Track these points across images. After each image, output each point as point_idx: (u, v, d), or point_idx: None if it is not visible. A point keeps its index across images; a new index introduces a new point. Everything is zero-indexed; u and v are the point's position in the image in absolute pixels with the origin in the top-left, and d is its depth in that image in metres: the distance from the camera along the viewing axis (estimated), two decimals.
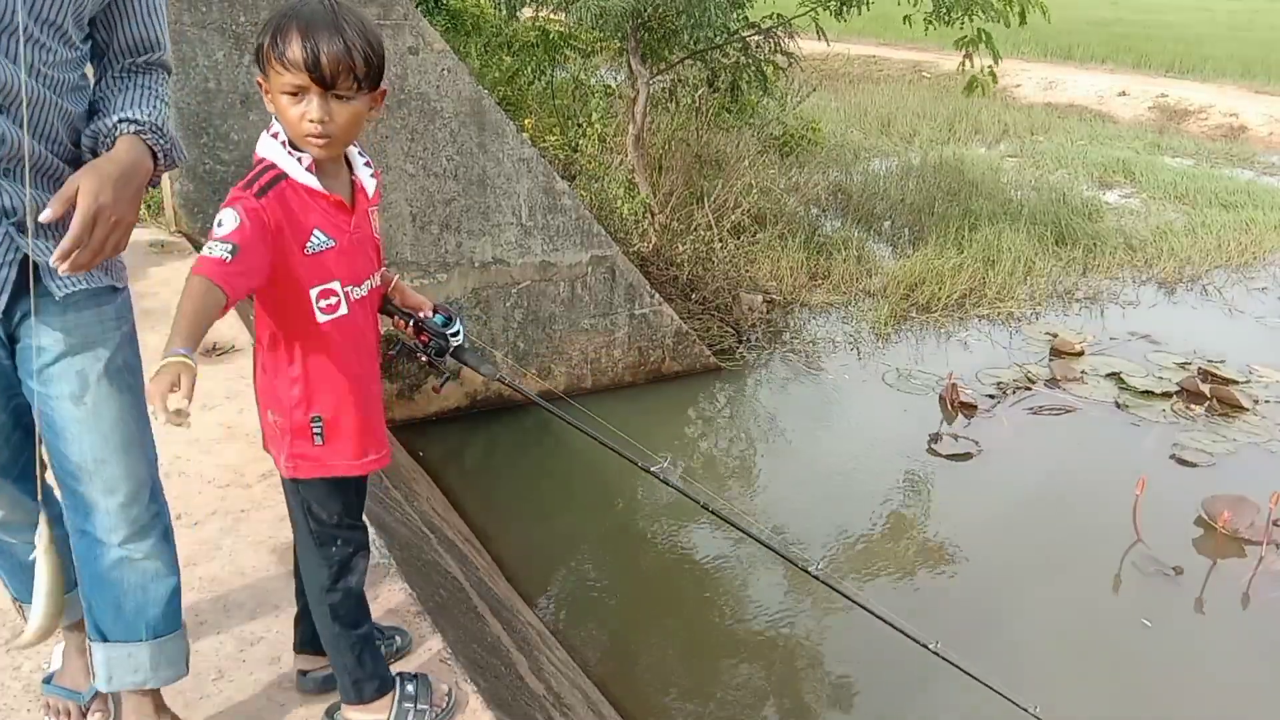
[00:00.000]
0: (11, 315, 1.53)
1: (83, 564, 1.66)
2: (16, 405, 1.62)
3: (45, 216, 1.39)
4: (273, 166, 1.67)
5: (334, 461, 1.83)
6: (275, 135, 1.69)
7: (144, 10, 1.59)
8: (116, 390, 1.61)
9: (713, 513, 2.54)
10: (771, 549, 2.69)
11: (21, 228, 1.47)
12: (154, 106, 1.57)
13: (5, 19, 1.38)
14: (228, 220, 1.59)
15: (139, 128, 1.53)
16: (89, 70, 1.59)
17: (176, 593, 1.76)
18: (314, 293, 1.72)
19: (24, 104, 1.41)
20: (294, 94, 1.61)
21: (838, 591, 2.75)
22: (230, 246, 1.56)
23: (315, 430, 1.79)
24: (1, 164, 1.43)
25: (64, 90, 1.50)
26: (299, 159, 1.68)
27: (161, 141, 1.55)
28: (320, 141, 1.65)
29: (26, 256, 1.48)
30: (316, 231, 1.70)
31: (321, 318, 1.74)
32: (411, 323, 1.99)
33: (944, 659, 2.66)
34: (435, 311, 2.02)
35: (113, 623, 1.69)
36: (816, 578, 2.57)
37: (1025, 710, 2.82)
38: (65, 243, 1.38)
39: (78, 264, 1.40)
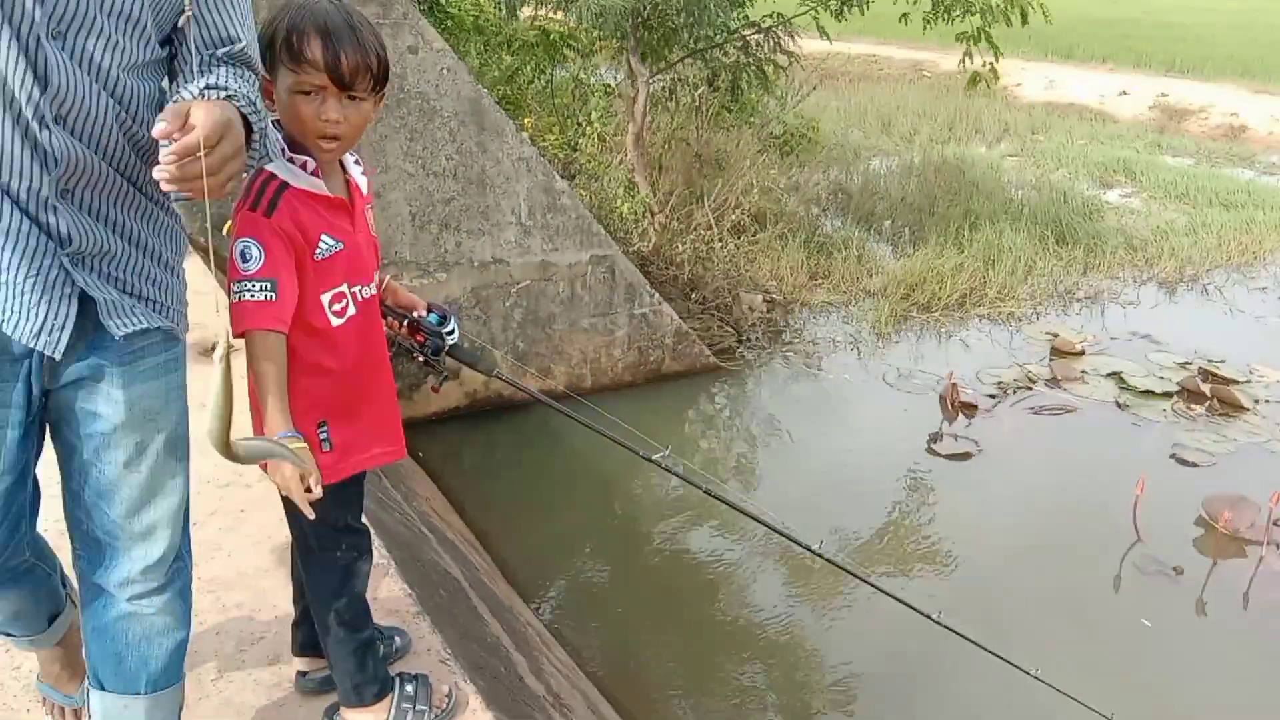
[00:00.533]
0: (58, 372, 1.38)
1: (88, 614, 1.59)
2: (12, 483, 1.43)
3: (159, 130, 1.17)
4: (272, 177, 1.64)
5: (345, 464, 1.82)
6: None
7: (219, 2, 1.41)
8: (174, 460, 1.54)
9: (716, 497, 2.54)
10: (775, 529, 2.69)
11: (79, 259, 1.32)
12: (243, 84, 1.39)
13: (78, 12, 1.21)
14: (253, 253, 1.57)
15: (229, 94, 1.33)
16: (165, 85, 1.43)
17: (183, 646, 1.68)
18: (326, 298, 1.72)
19: (195, 78, 1.25)
20: (308, 93, 1.60)
21: (842, 569, 2.76)
22: (269, 284, 1.56)
23: (322, 438, 1.77)
24: (59, 184, 1.27)
25: (139, 103, 1.32)
26: (303, 164, 1.66)
27: (256, 118, 1.38)
28: (333, 144, 1.65)
29: (84, 293, 1.33)
30: (324, 236, 1.69)
31: (335, 321, 1.74)
32: (406, 323, 1.98)
33: (947, 628, 2.67)
34: (429, 310, 2.01)
35: (112, 674, 1.61)
36: (820, 555, 2.58)
37: (1028, 674, 2.83)
38: (186, 140, 1.16)
39: (189, 174, 1.17)
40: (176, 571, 1.61)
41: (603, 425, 2.30)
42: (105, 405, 1.42)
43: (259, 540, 2.67)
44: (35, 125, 1.22)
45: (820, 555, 2.58)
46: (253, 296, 1.55)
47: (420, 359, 1.97)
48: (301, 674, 2.14)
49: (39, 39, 1.19)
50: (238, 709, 2.08)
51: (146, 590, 1.56)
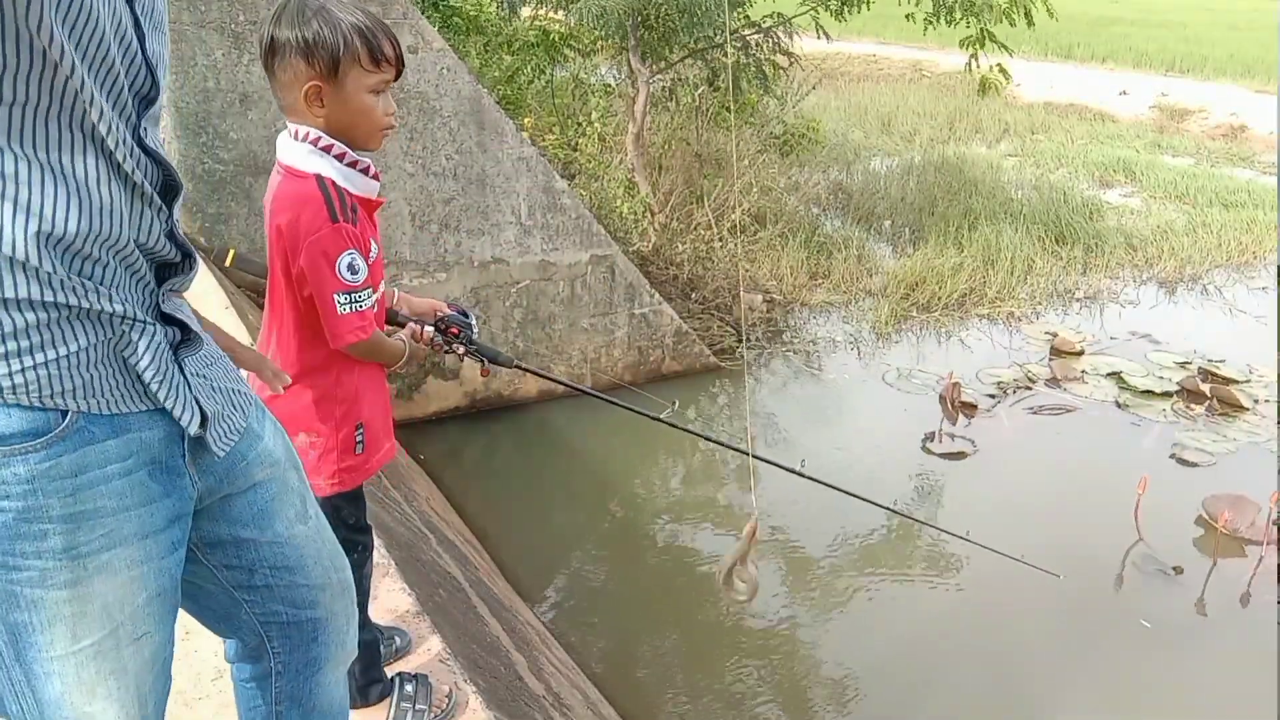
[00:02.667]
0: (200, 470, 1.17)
1: (292, 694, 1.38)
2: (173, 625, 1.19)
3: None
4: (335, 184, 1.64)
5: (371, 463, 1.87)
6: (315, 141, 1.63)
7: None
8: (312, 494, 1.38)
9: (721, 444, 2.57)
10: (777, 465, 2.73)
11: (185, 359, 1.11)
12: None
13: (159, 102, 1.06)
14: (359, 265, 1.65)
15: None
16: None
17: None
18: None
19: None
20: (377, 92, 1.64)
21: (831, 487, 2.77)
22: (371, 294, 1.69)
23: (358, 439, 1.82)
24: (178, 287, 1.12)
25: None
26: (365, 167, 1.68)
27: None
28: (391, 133, 1.70)
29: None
30: (372, 241, 1.73)
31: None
32: (434, 326, 1.99)
33: (948, 532, 2.67)
34: (449, 308, 2.06)
35: None
36: (807, 477, 2.62)
37: (1046, 572, 3.06)
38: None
39: None
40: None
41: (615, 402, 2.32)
42: (260, 469, 1.23)
43: None
44: (165, 240, 1.07)
45: (807, 476, 2.64)
46: (371, 306, 1.67)
47: (461, 350, 2.01)
48: None
49: (157, 142, 1.05)
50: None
51: (350, 646, 1.42)
